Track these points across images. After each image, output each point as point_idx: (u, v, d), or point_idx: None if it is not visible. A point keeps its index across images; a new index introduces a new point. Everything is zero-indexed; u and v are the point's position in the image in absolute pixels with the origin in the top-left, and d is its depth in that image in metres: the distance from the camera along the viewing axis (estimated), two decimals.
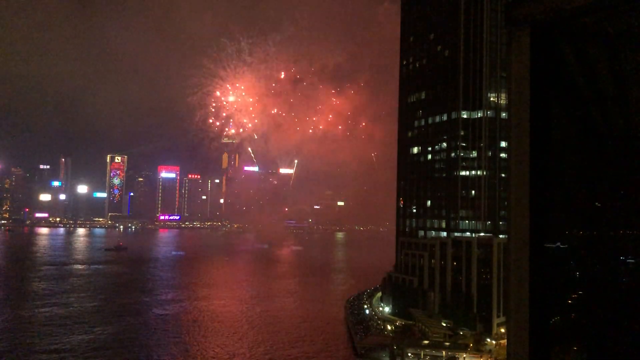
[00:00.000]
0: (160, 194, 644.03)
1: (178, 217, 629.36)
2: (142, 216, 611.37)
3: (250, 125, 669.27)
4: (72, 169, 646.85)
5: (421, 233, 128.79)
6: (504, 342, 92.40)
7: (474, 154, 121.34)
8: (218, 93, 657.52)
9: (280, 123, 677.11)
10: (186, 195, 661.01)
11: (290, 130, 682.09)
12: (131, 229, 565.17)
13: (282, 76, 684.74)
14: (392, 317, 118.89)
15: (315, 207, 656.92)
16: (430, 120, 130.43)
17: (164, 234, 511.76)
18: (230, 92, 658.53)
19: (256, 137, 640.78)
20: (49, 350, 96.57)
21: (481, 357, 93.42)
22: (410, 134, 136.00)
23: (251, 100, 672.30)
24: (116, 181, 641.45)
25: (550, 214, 3.97)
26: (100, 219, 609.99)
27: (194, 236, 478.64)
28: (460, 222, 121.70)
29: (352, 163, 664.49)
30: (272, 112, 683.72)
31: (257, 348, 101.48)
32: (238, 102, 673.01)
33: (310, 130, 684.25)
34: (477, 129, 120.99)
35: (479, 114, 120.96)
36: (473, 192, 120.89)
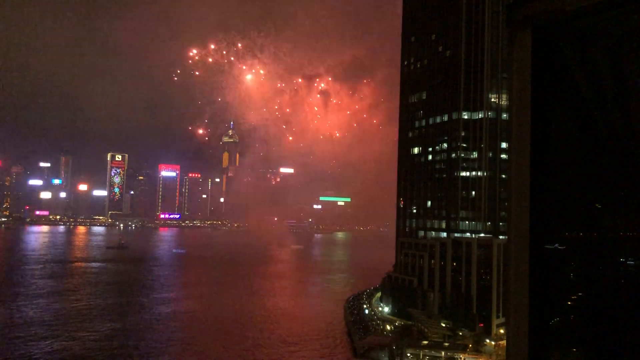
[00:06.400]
0: (160, 193, 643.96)
1: (178, 216, 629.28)
2: (143, 215, 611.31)
3: (253, 123, 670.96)
4: (73, 167, 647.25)
5: (421, 233, 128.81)
6: (503, 343, 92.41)
7: (475, 154, 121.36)
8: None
9: (285, 121, 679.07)
10: (186, 194, 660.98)
11: (294, 130, 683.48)
12: (131, 227, 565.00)
13: (287, 73, 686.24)
14: (392, 317, 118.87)
15: (315, 206, 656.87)
16: (431, 121, 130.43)
17: (164, 233, 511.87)
18: (236, 89, 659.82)
19: (266, 140, 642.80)
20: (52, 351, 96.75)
21: (480, 357, 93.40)
22: (410, 134, 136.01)
23: (256, 97, 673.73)
24: (116, 179, 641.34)
25: (550, 215, 3.97)
26: (101, 217, 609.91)
27: (194, 235, 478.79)
28: (461, 222, 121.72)
29: (353, 162, 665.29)
30: (276, 109, 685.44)
31: (256, 347, 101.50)
32: (242, 100, 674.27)
33: (319, 134, 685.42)
34: (477, 130, 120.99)
35: (480, 115, 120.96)
36: (473, 192, 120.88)
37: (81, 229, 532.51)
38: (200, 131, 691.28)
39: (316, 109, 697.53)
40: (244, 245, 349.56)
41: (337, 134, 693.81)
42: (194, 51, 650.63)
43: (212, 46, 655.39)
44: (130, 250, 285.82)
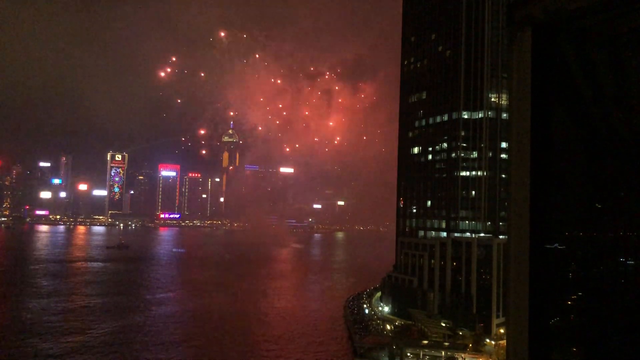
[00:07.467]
0: (160, 192, 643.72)
1: (178, 216, 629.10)
2: (142, 214, 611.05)
3: (253, 123, 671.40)
4: (73, 167, 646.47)
5: (421, 233, 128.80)
6: (503, 342, 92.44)
7: (475, 154, 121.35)
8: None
9: (286, 120, 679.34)
10: (186, 194, 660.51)
11: (295, 129, 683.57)
12: (131, 227, 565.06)
13: (286, 74, 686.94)
14: (392, 317, 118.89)
15: (315, 206, 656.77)
16: (431, 121, 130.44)
17: (164, 232, 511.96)
18: (236, 89, 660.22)
19: (267, 140, 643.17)
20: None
21: (480, 357, 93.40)
22: (411, 134, 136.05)
23: (257, 96, 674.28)
24: (116, 179, 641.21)
25: (550, 215, 3.97)
26: (101, 217, 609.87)
27: (194, 235, 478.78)
28: (461, 222, 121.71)
29: (353, 162, 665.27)
30: (277, 108, 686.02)
31: (255, 346, 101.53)
32: (243, 99, 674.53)
33: (320, 137, 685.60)
34: (477, 130, 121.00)
35: (480, 115, 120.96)
36: (473, 192, 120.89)
37: (81, 228, 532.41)
38: (201, 131, 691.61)
39: (314, 103, 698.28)
40: (244, 245, 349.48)
41: (338, 137, 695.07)
42: (195, 51, 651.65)
43: (213, 45, 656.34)
44: (130, 250, 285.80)
